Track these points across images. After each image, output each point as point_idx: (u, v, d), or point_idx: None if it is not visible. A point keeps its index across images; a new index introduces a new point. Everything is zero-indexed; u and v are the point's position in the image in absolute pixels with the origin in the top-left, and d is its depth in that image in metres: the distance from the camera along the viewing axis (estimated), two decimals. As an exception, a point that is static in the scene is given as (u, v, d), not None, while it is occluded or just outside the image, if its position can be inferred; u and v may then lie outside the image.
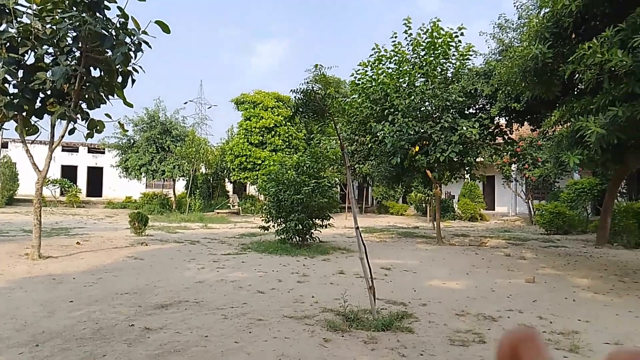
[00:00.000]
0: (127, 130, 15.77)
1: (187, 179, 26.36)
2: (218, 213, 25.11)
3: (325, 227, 11.67)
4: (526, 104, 10.45)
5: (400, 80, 13.25)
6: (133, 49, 8.35)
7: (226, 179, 30.32)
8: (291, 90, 7.37)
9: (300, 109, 7.17)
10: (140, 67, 8.64)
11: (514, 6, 12.98)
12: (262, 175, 17.93)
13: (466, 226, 19.96)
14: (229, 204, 27.24)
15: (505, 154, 14.20)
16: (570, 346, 4.34)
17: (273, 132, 26.13)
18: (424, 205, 25.23)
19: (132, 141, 26.67)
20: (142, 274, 7.73)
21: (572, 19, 7.51)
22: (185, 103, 42.20)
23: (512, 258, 10.26)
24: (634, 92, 6.21)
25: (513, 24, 16.02)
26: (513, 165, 19.23)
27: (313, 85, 6.94)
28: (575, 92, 8.93)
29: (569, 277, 8.01)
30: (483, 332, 4.79)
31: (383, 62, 13.83)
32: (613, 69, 6.19)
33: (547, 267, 9.02)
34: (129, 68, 8.66)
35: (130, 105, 9.07)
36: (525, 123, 12.76)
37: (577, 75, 6.95)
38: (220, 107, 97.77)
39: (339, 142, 6.10)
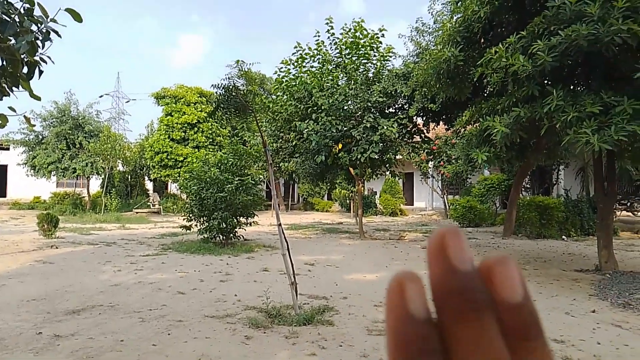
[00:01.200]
0: (34, 125, 14.61)
1: (103, 177, 24.92)
2: (137, 213, 24.03)
3: (250, 225, 11.59)
4: (441, 105, 11.06)
5: (324, 79, 13.47)
6: (40, 37, 7.76)
7: (146, 177, 29.07)
8: (212, 85, 7.24)
9: (222, 105, 7.08)
10: (49, 57, 8.06)
11: (428, 12, 13.66)
12: (184, 172, 17.42)
13: (387, 221, 20.72)
14: (148, 203, 26.12)
15: (422, 151, 14.93)
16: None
17: (196, 129, 25.44)
18: (348, 201, 25.82)
19: (40, 137, 24.71)
20: (51, 278, 7.24)
21: (481, 24, 8.05)
22: (101, 96, 39.84)
23: (429, 250, 10.81)
24: (534, 94, 6.80)
25: (429, 28, 16.83)
26: (430, 163, 20.24)
27: (235, 81, 6.88)
28: (484, 94, 9.57)
29: (478, 267, 8.60)
30: (399, 321, 5.03)
31: (307, 61, 13.98)
32: (516, 72, 6.71)
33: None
34: (36, 58, 8.04)
35: (38, 98, 8.41)
36: (441, 123, 13.50)
37: (485, 78, 7.46)
38: (140, 101, 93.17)
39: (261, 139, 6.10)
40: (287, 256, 5.26)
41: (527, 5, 7.61)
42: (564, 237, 13.27)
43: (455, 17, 9.01)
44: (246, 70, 7.02)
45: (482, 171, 19.09)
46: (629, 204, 15.20)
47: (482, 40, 8.65)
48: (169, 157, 24.78)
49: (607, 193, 8.04)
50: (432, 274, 0.20)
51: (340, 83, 13.32)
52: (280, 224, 5.44)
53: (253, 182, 11.49)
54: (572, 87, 7.20)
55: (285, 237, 5.41)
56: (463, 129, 12.71)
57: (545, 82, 7.08)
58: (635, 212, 15.10)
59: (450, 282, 0.19)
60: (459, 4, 8.53)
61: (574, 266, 8.58)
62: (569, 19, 6.32)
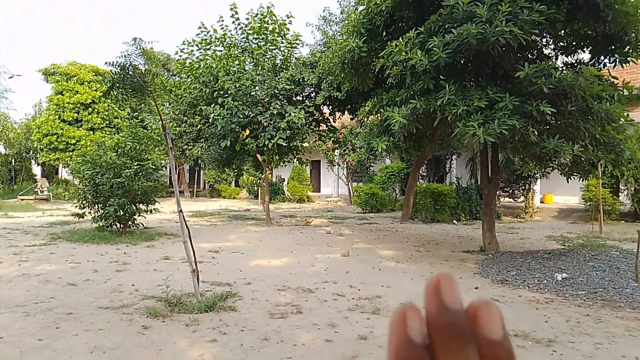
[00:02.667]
0: None
1: (-20, 160, 22.30)
2: (22, 200, 21.87)
3: (151, 212, 11.08)
4: (346, 94, 11.37)
5: (230, 64, 13.18)
6: None
7: (32, 161, 26.48)
8: (106, 62, 6.78)
9: (117, 84, 6.66)
10: None
11: (337, 1, 13.91)
12: (77, 156, 16.13)
13: (294, 207, 20.97)
14: (36, 190, 23.85)
15: (328, 140, 15.26)
16: (373, 309, 4.96)
17: (90, 109, 23.61)
18: (255, 188, 25.67)
19: None
20: None
21: (383, 18, 8.37)
22: (-24, 70, 35.23)
23: (332, 235, 11.16)
24: (429, 88, 7.24)
25: (336, 18, 17.12)
26: (336, 151, 20.77)
27: (132, 60, 6.49)
28: (385, 86, 9.98)
29: (378, 250, 9.06)
30: (301, 303, 5.16)
31: (211, 44, 13.56)
32: (414, 66, 7.09)
33: (361, 242, 10.04)
34: None
35: None
36: (346, 112, 13.89)
37: (386, 70, 7.79)
38: (26, 77, 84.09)
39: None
40: (189, 243, 5.13)
41: (425, 3, 8.05)
42: (454, 221, 14.40)
43: (359, 9, 9.27)
44: (146, 48, 6.66)
45: (384, 160, 19.99)
46: (511, 191, 16.84)
47: (385, 33, 8.99)
48: (59, 139, 22.80)
49: (491, 181, 8.85)
50: (427, 310, 0.23)
51: (247, 68, 13.12)
52: (181, 211, 5.28)
53: (154, 167, 10.97)
54: (463, 82, 7.77)
55: (186, 224, 5.27)
56: (366, 119, 13.18)
57: (440, 76, 7.57)
58: (517, 199, 16.77)
59: (442, 317, 0.23)
60: (363, -4, 8.75)
61: (462, 247, 9.36)
62: (462, 18, 6.80)
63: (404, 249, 9.18)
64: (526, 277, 6.65)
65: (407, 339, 0.23)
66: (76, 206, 10.73)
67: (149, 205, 10.94)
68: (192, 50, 13.39)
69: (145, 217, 11.03)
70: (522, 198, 16.22)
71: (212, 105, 12.24)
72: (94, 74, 24.15)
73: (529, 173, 14.14)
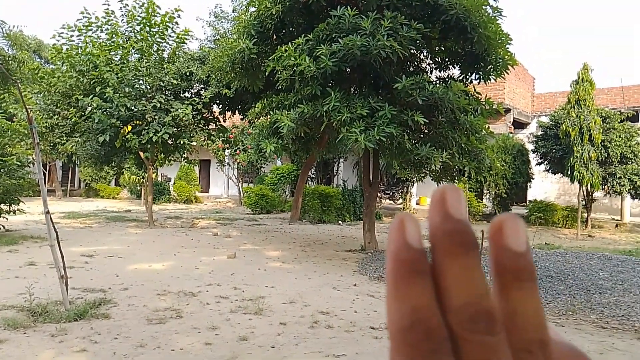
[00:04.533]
0: None
1: None
2: None
3: (14, 213, 9.97)
4: (236, 92, 11.27)
5: (112, 53, 12.35)
6: None
7: None
8: (-40, 45, 6.02)
9: (-25, 71, 5.94)
10: None
11: (230, -1, 13.73)
12: None
13: (181, 208, 20.23)
14: None
15: (218, 139, 14.98)
16: (256, 309, 5.01)
17: (-60, 95, 20.50)
18: (138, 187, 24.25)
19: None
20: None
21: (273, 22, 8.47)
22: None
23: (220, 237, 10.99)
24: (316, 94, 7.49)
25: (228, 15, 16.89)
26: (226, 151, 20.46)
27: (-6, 44, 5.84)
28: (276, 88, 10.10)
29: (265, 251, 9.13)
30: (181, 307, 5.03)
31: (93, 30, 12.58)
32: (302, 72, 7.28)
33: (249, 243, 10.04)
34: None
35: None
36: (236, 112, 13.77)
37: (276, 73, 7.90)
38: None
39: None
40: (57, 247, 4.74)
41: (314, 11, 8.30)
42: (340, 222, 15.01)
43: (251, 10, 9.27)
44: (11, 32, 6.03)
45: (275, 161, 20.16)
46: (391, 193, 18.03)
47: (275, 37, 9.10)
48: None
49: (372, 184, 9.40)
50: (430, 219, 0.23)
51: (130, 59, 12.38)
52: (48, 211, 4.86)
53: (19, 163, 9.89)
54: (348, 90, 8.15)
55: (54, 226, 4.86)
56: (256, 120, 13.20)
57: (328, 83, 7.86)
58: (396, 201, 17.99)
59: (444, 225, 0.23)
60: (253, -2, 8.77)
61: (345, 247, 9.81)
62: (348, 29, 7.16)
63: (290, 250, 9.36)
64: (400, 274, 7.17)
65: (404, 243, 0.23)
66: None
67: (12, 206, 9.84)
68: (71, 36, 12.28)
69: (7, 219, 9.89)
70: (400, 200, 17.44)
71: (90, 97, 11.33)
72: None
73: (407, 177, 15.26)
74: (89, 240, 9.74)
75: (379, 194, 15.15)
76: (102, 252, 8.46)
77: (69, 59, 12.06)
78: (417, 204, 18.57)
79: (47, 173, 25.95)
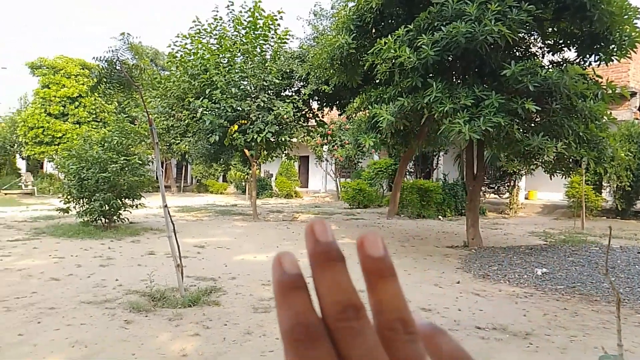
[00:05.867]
0: None
1: (-37, 153, 21.91)
2: (6, 194, 21.56)
3: (137, 207, 11.01)
4: (334, 89, 11.37)
5: (221, 56, 13.11)
6: None
7: (17, 155, 26.09)
8: (94, 57, 6.75)
9: (104, 79, 6.61)
10: None
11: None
12: (62, 150, 15.93)
13: (282, 203, 20.95)
14: (20, 184, 23.53)
15: (316, 135, 15.26)
16: (357, 304, 4.99)
17: (77, 103, 23.31)
18: (243, 183, 25.59)
19: None
20: None
21: (373, 15, 8.38)
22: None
23: (319, 231, 11.16)
24: (417, 85, 7.27)
25: (327, 13, 17.09)
26: (324, 147, 20.77)
27: (119, 55, 6.44)
28: (374, 82, 10.01)
29: (364, 246, 9.08)
30: (285, 298, 5.17)
31: (203, 36, 13.50)
32: (402, 64, 7.11)
33: (347, 237, 10.07)
34: None
35: None
36: (334, 108, 13.91)
37: (375, 67, 7.81)
38: (11, 70, 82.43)
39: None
40: (173, 238, 5.12)
41: (415, 0, 8.07)
42: (440, 217, 14.50)
43: (349, 5, 9.27)
44: (134, 43, 6.61)
45: (372, 156, 20.05)
46: (496, 187, 17.02)
47: (374, 30, 9.01)
48: (45, 133, 22.48)
49: (476, 177, 8.93)
50: (307, 246, 0.28)
51: (237, 60, 13.06)
52: (166, 206, 5.26)
53: (140, 162, 10.89)
54: (450, 80, 7.81)
55: (171, 219, 5.25)
56: (354, 115, 13.20)
57: (428, 74, 7.60)
58: (501, 195, 16.95)
59: (315, 248, 0.28)
60: (353, -7, 8.75)
61: (446, 243, 9.45)
62: (451, 16, 6.84)
63: (388, 244, 9.19)
64: (507, 272, 6.74)
65: (283, 271, 0.27)
66: (61, 201, 10.63)
67: (135, 200, 10.86)
68: (185, 44, 13.30)
69: (130, 212, 10.95)
70: (507, 194, 16.39)
71: (201, 99, 12.15)
72: (81, 67, 23.83)
73: (514, 170, 14.28)
74: (201, 232, 10.45)
75: (482, 188, 14.39)
76: (212, 243, 9.02)
77: (183, 64, 13.05)
78: (526, 198, 17.34)
79: (163, 171, 28.39)
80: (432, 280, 6.25)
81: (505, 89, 7.01)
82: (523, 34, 7.84)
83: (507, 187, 16.39)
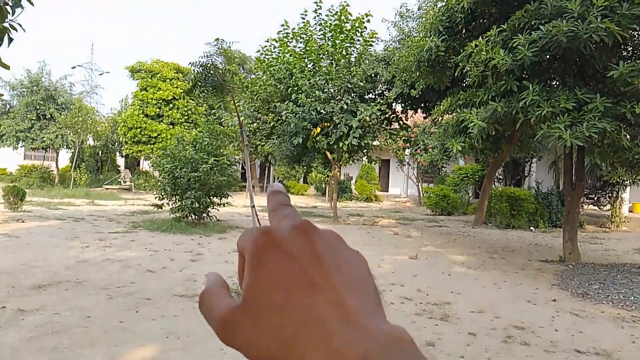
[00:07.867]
0: (2, 95, 14.08)
1: (72, 150, 24.25)
2: (107, 189, 23.55)
3: (223, 205, 11.50)
4: (420, 92, 11.10)
5: (306, 60, 13.35)
6: (10, 3, 7.41)
7: (117, 153, 28.41)
8: (190, 63, 7.12)
9: (199, 83, 6.95)
10: (19, 25, 7.73)
11: (414, -2, 13.62)
12: (158, 149, 17.08)
13: (362, 206, 20.88)
14: (119, 180, 25.60)
15: (399, 139, 15.02)
16: (442, 315, 4.80)
17: (171, 105, 24.92)
18: (323, 185, 25.85)
19: (7, 106, 23.81)
20: (16, 252, 7.06)
21: (463, 15, 8.06)
22: (74, 67, 38.21)
23: (400, 236, 10.97)
24: (512, 89, 6.87)
25: (413, 14, 16.77)
26: (407, 150, 20.39)
27: (213, 60, 6.74)
28: (463, 85, 9.63)
29: (448, 254, 8.77)
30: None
31: (290, 40, 13.84)
32: (496, 66, 6.75)
33: (430, 245, 9.78)
34: (5, 25, 7.69)
35: (7, 67, 8.08)
36: (419, 111, 13.58)
37: (465, 69, 7.50)
38: (114, 74, 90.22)
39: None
40: (260, 238, 5.24)
41: (509, -1, 7.64)
42: (532, 228, 13.62)
43: (438, 5, 9.00)
44: (225, 48, 6.88)
45: (458, 161, 19.34)
46: (596, 198, 15.68)
47: (464, 31, 8.67)
48: (142, 133, 24.26)
49: (575, 187, 8.26)
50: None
51: (322, 64, 13.23)
52: (253, 206, 5.41)
53: (228, 162, 11.36)
54: (547, 82, 7.30)
55: (258, 219, 5.39)
56: (441, 118, 12.80)
57: (523, 77, 7.16)
58: (602, 207, 15.59)
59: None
60: (442, -7, 8.49)
61: (540, 257, 8.83)
62: (550, 14, 6.39)
63: (475, 255, 8.82)
64: (610, 292, 6.14)
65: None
66: (156, 197, 11.38)
67: (222, 199, 11.35)
68: (273, 47, 13.73)
69: (218, 210, 11.45)
70: (608, 206, 15.03)
71: (286, 102, 12.45)
72: (175, 71, 25.44)
73: (618, 180, 13.05)
74: (283, 233, 10.65)
75: (581, 199, 13.32)
76: (294, 244, 9.15)
77: (269, 68, 13.46)
78: (630, 211, 15.80)
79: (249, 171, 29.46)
80: (524, 297, 5.85)
81: (611, 92, 6.41)
82: (633, 31, 7.13)
83: (608, 199, 15.04)
